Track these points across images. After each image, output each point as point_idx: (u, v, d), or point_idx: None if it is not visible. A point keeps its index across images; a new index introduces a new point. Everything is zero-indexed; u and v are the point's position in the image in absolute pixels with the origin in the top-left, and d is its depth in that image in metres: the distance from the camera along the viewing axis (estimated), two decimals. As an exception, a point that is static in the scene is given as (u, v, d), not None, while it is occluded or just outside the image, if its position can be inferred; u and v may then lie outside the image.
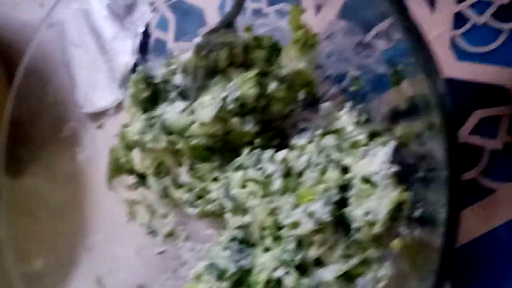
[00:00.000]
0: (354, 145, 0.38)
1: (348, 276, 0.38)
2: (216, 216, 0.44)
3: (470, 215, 0.42)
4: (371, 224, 0.35)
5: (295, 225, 0.37)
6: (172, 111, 0.43)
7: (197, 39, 0.43)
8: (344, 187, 0.37)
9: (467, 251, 0.42)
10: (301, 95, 0.44)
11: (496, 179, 0.43)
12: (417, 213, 0.35)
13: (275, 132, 0.44)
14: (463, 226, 0.41)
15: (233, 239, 0.42)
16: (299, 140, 0.41)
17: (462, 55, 0.45)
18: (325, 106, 0.44)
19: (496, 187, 0.43)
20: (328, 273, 0.38)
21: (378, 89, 0.41)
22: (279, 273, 0.38)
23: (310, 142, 0.40)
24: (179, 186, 0.44)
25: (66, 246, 0.47)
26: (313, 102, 0.45)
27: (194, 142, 0.41)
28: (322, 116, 0.43)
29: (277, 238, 0.38)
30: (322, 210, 0.36)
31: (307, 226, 0.36)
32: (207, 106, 0.41)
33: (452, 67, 0.45)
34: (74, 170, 0.48)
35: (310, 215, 0.36)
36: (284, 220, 0.38)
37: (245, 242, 0.42)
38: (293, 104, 0.44)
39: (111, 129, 0.48)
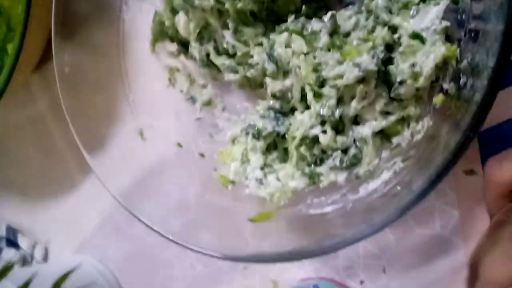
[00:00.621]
0: (405, 6, 0.37)
1: (385, 134, 0.39)
2: (254, 87, 0.45)
3: (508, 96, 0.41)
4: (416, 76, 0.35)
5: (339, 76, 0.37)
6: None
7: None
8: (391, 48, 0.37)
9: (500, 132, 0.42)
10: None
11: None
12: (462, 68, 0.34)
13: (322, 5, 0.43)
14: (499, 106, 0.40)
15: (270, 108, 0.43)
16: (346, 11, 0.40)
17: None
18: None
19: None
20: (365, 130, 0.38)
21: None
22: (316, 130, 0.39)
23: (358, 13, 0.39)
24: (221, 53, 0.44)
25: (110, 105, 0.48)
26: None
27: (240, 4, 0.41)
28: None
29: (318, 96, 0.38)
30: (368, 61, 0.36)
31: (352, 75, 0.36)
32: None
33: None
34: (117, 40, 0.49)
35: (356, 65, 0.36)
36: (328, 74, 0.37)
37: (282, 113, 0.43)
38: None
39: (155, 3, 0.48)
